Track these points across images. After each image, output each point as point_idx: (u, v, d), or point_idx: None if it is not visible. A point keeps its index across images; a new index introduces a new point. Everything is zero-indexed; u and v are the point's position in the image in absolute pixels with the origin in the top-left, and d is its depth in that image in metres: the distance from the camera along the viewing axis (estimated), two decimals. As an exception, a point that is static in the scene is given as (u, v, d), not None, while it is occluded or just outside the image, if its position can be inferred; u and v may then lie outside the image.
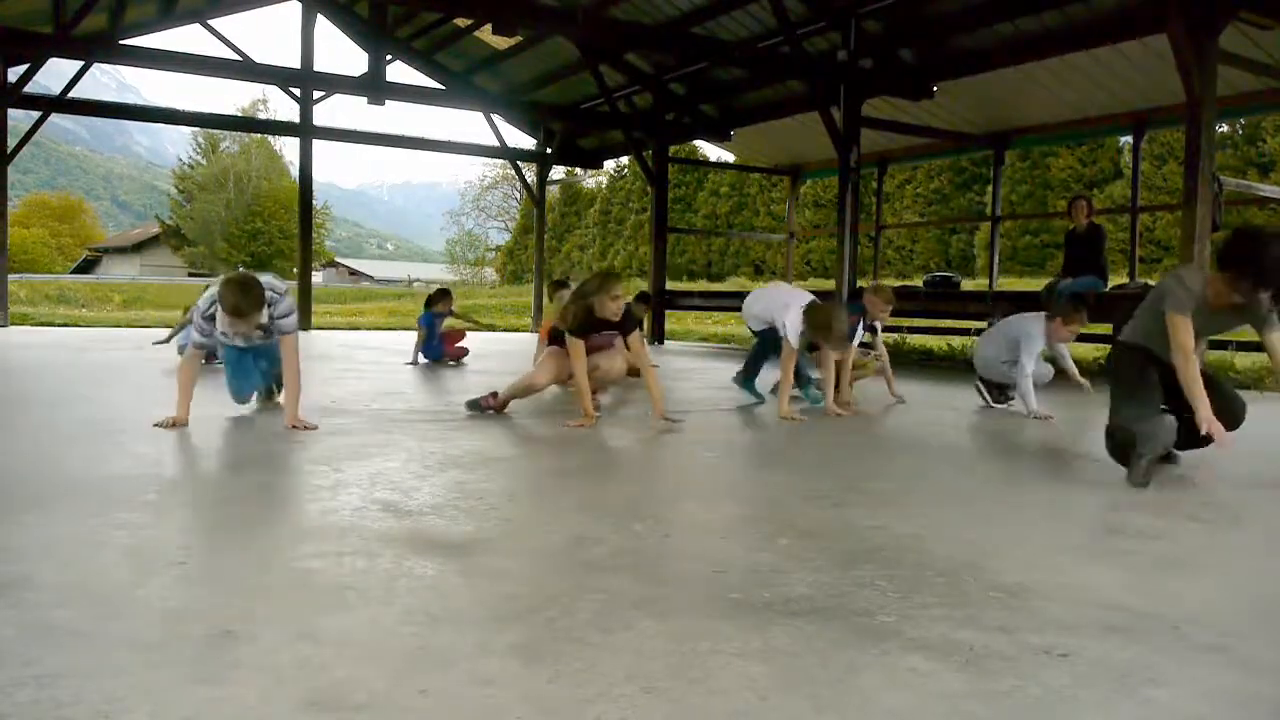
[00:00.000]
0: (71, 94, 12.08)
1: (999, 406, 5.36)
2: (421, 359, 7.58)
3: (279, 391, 4.75)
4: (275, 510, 2.54)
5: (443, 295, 7.90)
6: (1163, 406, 3.37)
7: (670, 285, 15.05)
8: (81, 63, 11.43)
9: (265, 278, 3.94)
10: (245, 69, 11.48)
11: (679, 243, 30.19)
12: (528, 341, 10.38)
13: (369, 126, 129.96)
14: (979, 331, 6.71)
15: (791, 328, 4.74)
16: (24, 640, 1.47)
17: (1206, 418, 3.07)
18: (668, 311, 13.39)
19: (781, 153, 13.70)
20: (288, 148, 41.83)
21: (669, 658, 1.47)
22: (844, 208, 9.28)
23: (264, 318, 3.88)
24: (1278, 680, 1.47)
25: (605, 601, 1.73)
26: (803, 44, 9.60)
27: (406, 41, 13.80)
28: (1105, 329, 7.08)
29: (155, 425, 3.76)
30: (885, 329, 6.32)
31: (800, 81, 10.32)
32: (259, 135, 40.68)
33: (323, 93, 13.46)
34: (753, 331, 5.44)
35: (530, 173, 16.08)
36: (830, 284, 9.77)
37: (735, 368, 5.67)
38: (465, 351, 7.93)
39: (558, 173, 21.37)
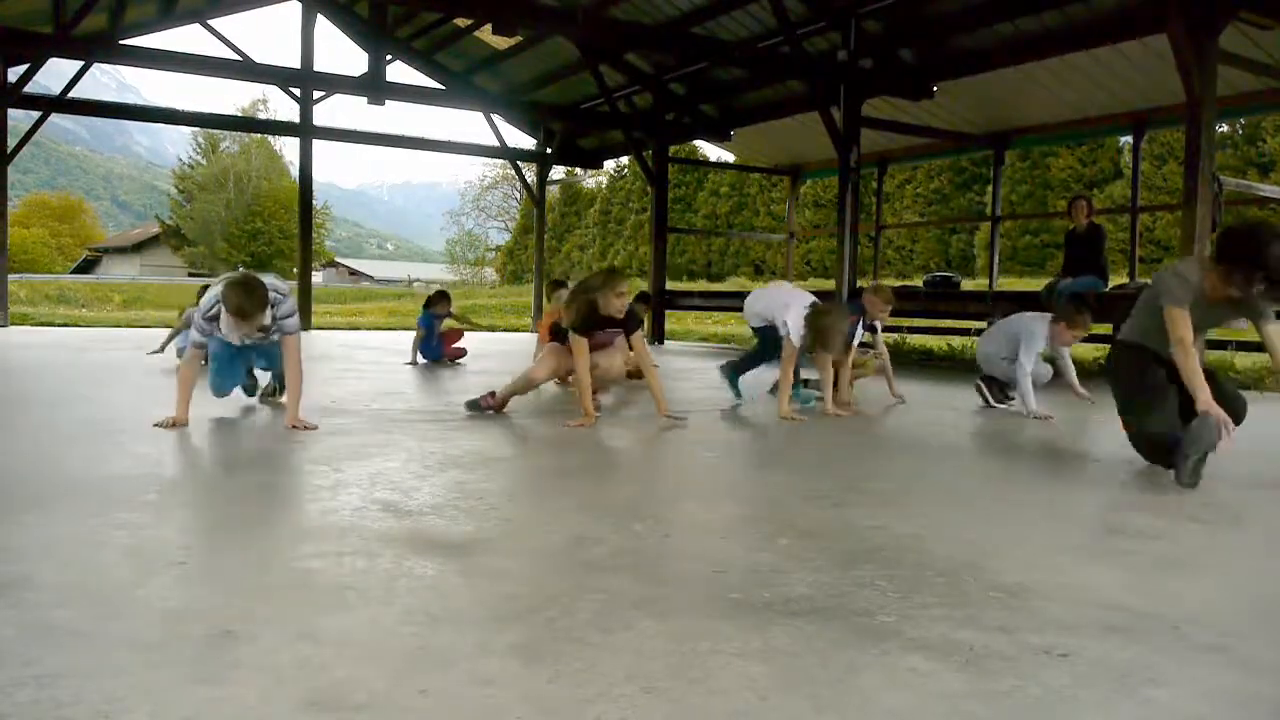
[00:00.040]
0: (71, 94, 12.08)
1: (999, 406, 5.36)
2: (421, 359, 7.62)
3: (281, 392, 4.75)
4: (275, 510, 2.53)
5: (441, 297, 7.95)
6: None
7: (670, 285, 15.05)
8: (81, 63, 11.44)
9: (267, 278, 3.94)
10: (245, 69, 11.48)
11: (679, 243, 30.19)
12: (527, 341, 10.38)
13: (369, 126, 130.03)
14: (979, 331, 6.72)
15: (793, 327, 4.74)
16: (24, 640, 1.47)
17: (1207, 401, 3.07)
18: (668, 311, 13.39)
19: (781, 153, 13.70)
20: (288, 148, 41.88)
21: (669, 658, 1.47)
22: (844, 208, 9.28)
23: (267, 319, 3.88)
24: (1278, 680, 1.47)
25: (605, 601, 1.73)
26: (803, 44, 9.60)
27: (406, 41, 13.80)
28: (1105, 329, 7.09)
29: (155, 425, 3.76)
30: (885, 329, 6.32)
31: (800, 81, 10.32)
32: (259, 135, 40.68)
33: (323, 93, 13.46)
34: (753, 329, 5.43)
35: (530, 173, 16.08)
36: (830, 284, 9.77)
37: (759, 374, 5.63)
38: (463, 352, 7.98)
39: (558, 173, 21.38)
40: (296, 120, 13.82)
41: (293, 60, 13.48)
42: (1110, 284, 8.11)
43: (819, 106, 9.28)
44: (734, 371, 5.46)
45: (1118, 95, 9.33)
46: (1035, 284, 11.21)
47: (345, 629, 1.56)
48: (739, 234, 27.82)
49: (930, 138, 10.80)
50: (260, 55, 20.49)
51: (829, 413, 4.85)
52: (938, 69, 9.26)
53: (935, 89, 9.39)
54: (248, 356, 4.44)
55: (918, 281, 14.13)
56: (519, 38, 12.34)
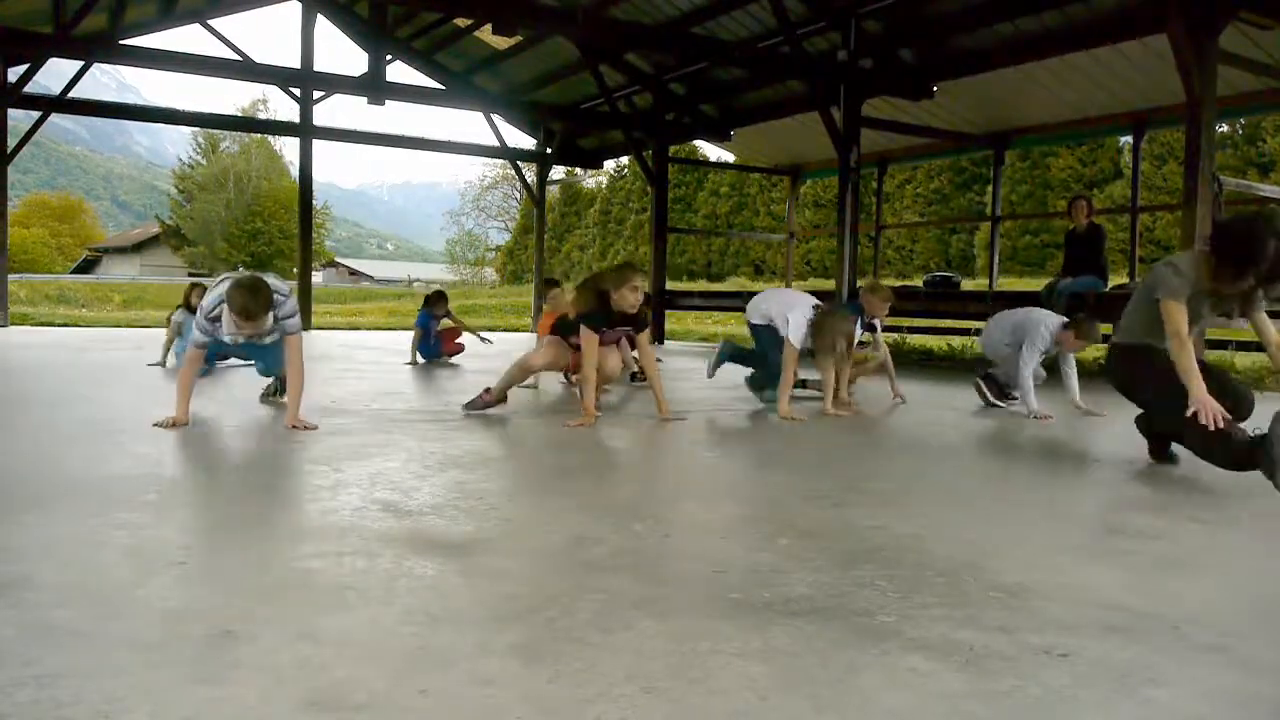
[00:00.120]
0: (71, 94, 12.08)
1: (999, 405, 5.35)
2: (420, 359, 7.65)
3: (281, 392, 4.76)
4: (275, 510, 2.53)
5: (439, 297, 7.98)
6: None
7: (670, 285, 15.05)
8: (81, 63, 11.44)
9: (268, 279, 3.95)
10: (245, 69, 11.49)
11: (679, 243, 30.20)
12: (528, 342, 10.38)
13: (369, 126, 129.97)
14: (979, 331, 6.71)
15: (794, 329, 4.74)
16: (24, 640, 1.47)
17: (1199, 398, 3.06)
18: (668, 311, 13.39)
19: (781, 153, 13.70)
20: (288, 148, 41.89)
21: (669, 658, 1.47)
22: (844, 208, 9.28)
23: (269, 320, 3.89)
24: (1278, 680, 1.47)
25: (605, 601, 1.73)
26: (803, 44, 9.61)
27: (406, 41, 13.80)
28: (1106, 329, 7.08)
29: (155, 425, 3.77)
30: (885, 329, 6.32)
31: (800, 81, 10.33)
32: (259, 135, 40.68)
33: (323, 93, 13.47)
34: (750, 326, 5.36)
35: (530, 173, 16.08)
36: (830, 284, 9.77)
37: (735, 368, 5.64)
38: (461, 348, 8.04)
39: (558, 173, 21.37)
40: (296, 120, 13.82)
41: (293, 60, 13.48)
42: (1110, 284, 8.11)
43: (819, 106, 9.28)
44: (756, 384, 5.38)
45: (1118, 95, 9.33)
46: (1035, 284, 11.21)
47: (345, 629, 1.56)
48: (739, 234, 27.83)
49: (930, 138, 10.81)
50: (260, 55, 20.49)
51: (829, 413, 4.85)
52: (938, 69, 9.26)
53: (935, 89, 9.40)
54: (255, 358, 4.45)
55: (918, 281, 14.14)
56: (519, 38, 12.35)
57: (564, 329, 4.67)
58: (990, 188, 12.55)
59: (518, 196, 42.48)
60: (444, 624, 1.60)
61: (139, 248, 50.60)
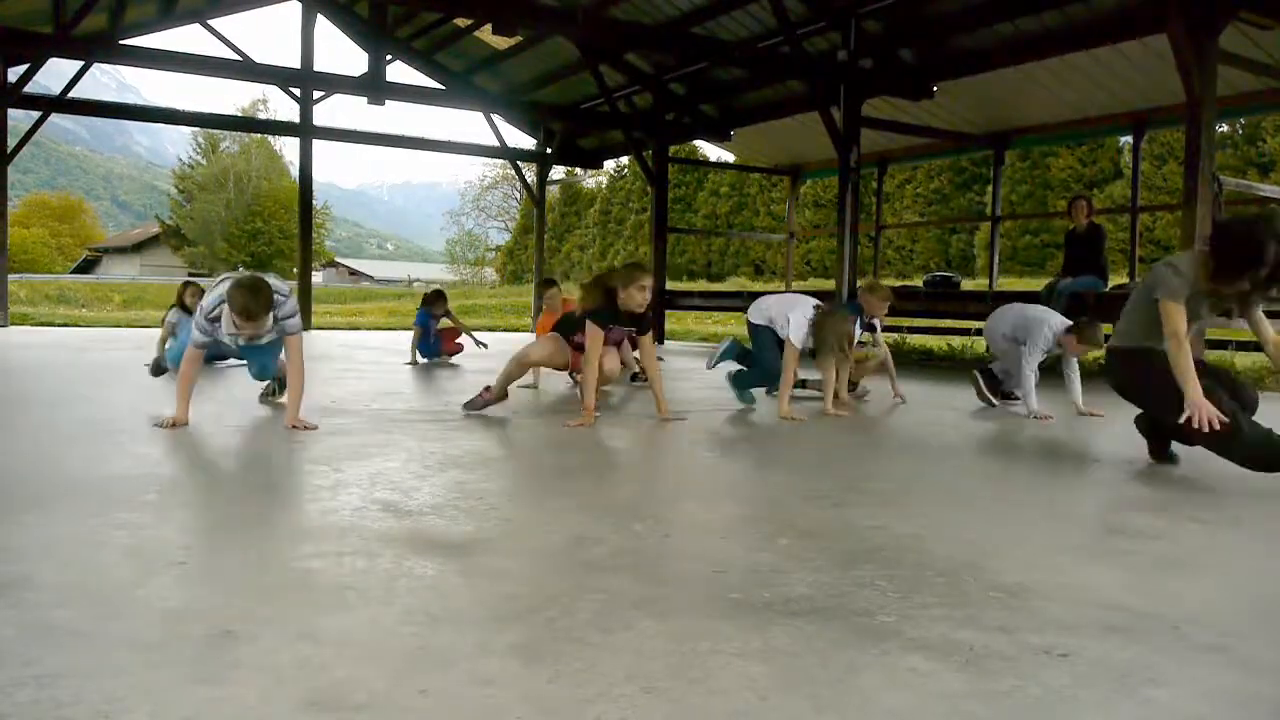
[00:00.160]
0: (71, 94, 12.09)
1: (993, 402, 5.35)
2: (420, 358, 7.66)
3: (280, 392, 4.76)
4: (275, 510, 2.53)
5: (438, 297, 7.99)
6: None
7: (670, 285, 15.06)
8: (81, 63, 11.44)
9: (268, 279, 3.95)
10: (245, 69, 11.49)
11: (679, 243, 30.19)
12: (527, 341, 10.37)
13: (369, 126, 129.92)
14: (979, 331, 6.71)
15: (795, 329, 4.74)
16: (24, 640, 1.47)
17: (1195, 401, 3.06)
18: (668, 311, 13.39)
19: (781, 153, 13.70)
20: (288, 148, 41.87)
21: (669, 658, 1.47)
22: (844, 208, 9.28)
23: (270, 320, 3.89)
24: (1278, 680, 1.47)
25: (605, 601, 1.73)
26: (803, 44, 9.61)
27: (406, 41, 13.81)
28: (1106, 329, 7.08)
29: (155, 425, 3.77)
30: (885, 329, 6.32)
31: (800, 81, 10.33)
32: (259, 135, 40.68)
33: (323, 93, 13.47)
34: (750, 325, 5.34)
35: (530, 173, 16.08)
36: (830, 284, 9.77)
37: (734, 367, 5.62)
38: (460, 348, 8.06)
39: (558, 173, 21.38)
40: (296, 120, 13.83)
41: (293, 60, 13.49)
42: (1110, 284, 8.11)
43: (819, 106, 9.28)
44: (739, 383, 5.26)
45: (1118, 95, 9.33)
46: (1035, 284, 11.22)
47: (345, 629, 1.56)
48: (739, 234, 27.82)
49: (930, 138, 10.81)
50: (260, 55, 20.52)
51: (829, 413, 4.85)
52: (938, 69, 9.26)
53: (935, 89, 9.40)
54: (251, 359, 4.45)
55: (918, 281, 14.14)
56: (519, 38, 12.35)
57: (567, 327, 4.66)
58: (990, 188, 12.56)
59: (518, 196, 42.49)
60: (444, 624, 1.60)
61: (139, 248, 50.59)
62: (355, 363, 7.67)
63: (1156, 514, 2.65)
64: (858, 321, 5.24)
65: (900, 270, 24.36)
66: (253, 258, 39.46)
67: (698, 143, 22.53)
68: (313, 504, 2.52)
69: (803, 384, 5.58)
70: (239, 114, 34.70)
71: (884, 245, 20.79)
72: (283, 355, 4.44)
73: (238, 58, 12.24)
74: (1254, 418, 3.23)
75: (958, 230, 24.26)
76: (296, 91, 13.59)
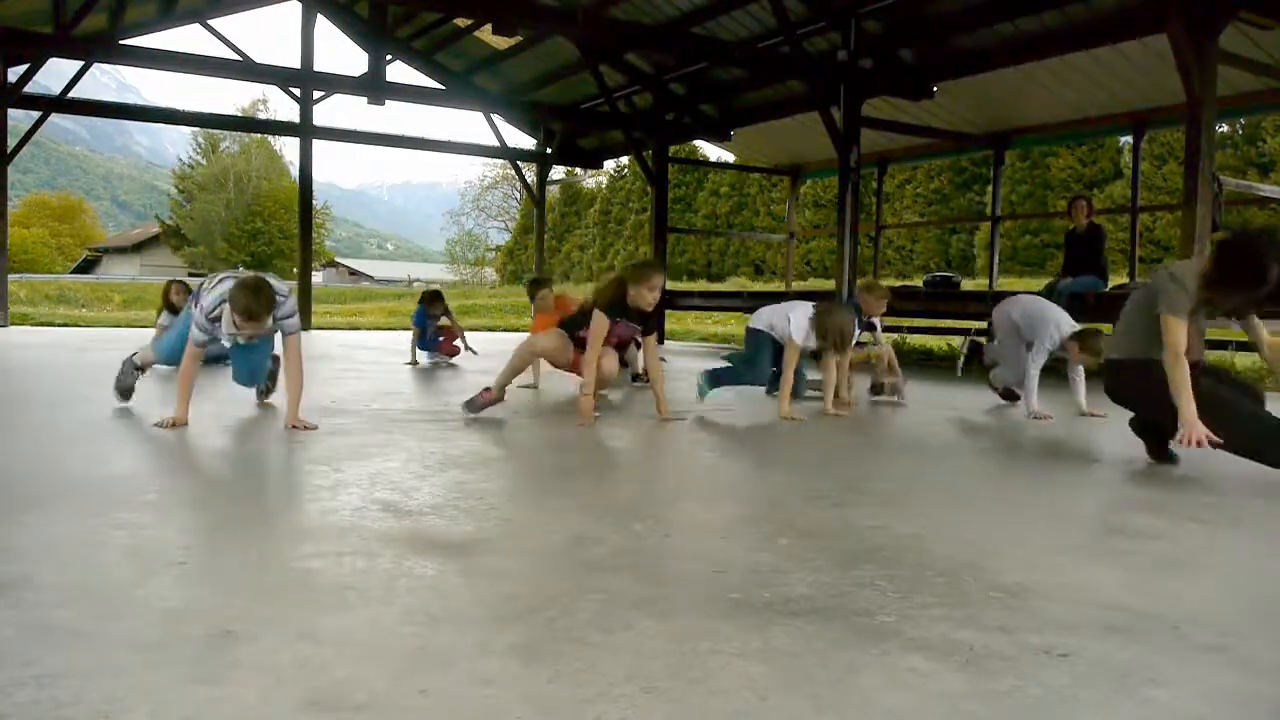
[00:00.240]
0: (71, 94, 12.09)
1: (965, 362, 5.34)
2: (422, 357, 7.67)
3: (270, 393, 4.76)
4: (275, 510, 2.53)
5: (436, 297, 8.01)
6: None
7: (670, 285, 15.05)
8: (81, 63, 11.44)
9: (268, 279, 3.95)
10: (245, 69, 11.48)
11: (679, 243, 30.19)
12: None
13: (369, 126, 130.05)
14: (979, 332, 6.70)
15: (795, 327, 4.75)
16: (24, 640, 1.47)
17: (1188, 421, 3.06)
18: (668, 311, 13.39)
19: (781, 153, 13.70)
20: (288, 148, 41.91)
21: (669, 658, 1.47)
22: (844, 208, 9.28)
23: (270, 320, 3.89)
24: (1278, 680, 1.47)
25: (605, 601, 1.73)
26: (803, 44, 9.61)
27: (406, 41, 13.80)
28: (1106, 329, 7.09)
29: (155, 425, 3.77)
30: (885, 329, 6.32)
31: (800, 81, 10.32)
32: (259, 135, 40.69)
33: (323, 93, 13.47)
34: (749, 330, 5.32)
35: (530, 173, 16.08)
36: (830, 284, 9.77)
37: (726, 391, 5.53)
38: (457, 351, 8.07)
39: (558, 173, 21.37)
40: (296, 120, 13.82)
41: (293, 60, 13.49)
42: (1110, 284, 8.12)
43: (819, 106, 9.28)
44: (710, 380, 5.13)
45: (1118, 95, 9.32)
46: (1035, 284, 11.22)
47: (345, 629, 1.56)
48: (739, 234, 27.82)
49: (930, 138, 10.81)
50: (260, 55, 20.52)
51: (829, 413, 4.85)
52: (938, 69, 9.26)
53: (935, 89, 9.39)
54: (249, 358, 4.45)
55: (918, 281, 14.13)
56: (519, 38, 12.35)
57: (571, 326, 4.66)
58: (990, 188, 12.55)
59: (518, 196, 42.50)
60: (444, 624, 1.60)
61: (139, 248, 50.62)
62: (355, 363, 7.67)
63: (1156, 514, 2.65)
64: (856, 321, 5.24)
65: (900, 270, 24.36)
66: (253, 258, 39.48)
67: (698, 143, 22.53)
68: (313, 504, 2.52)
69: (813, 385, 5.55)
70: (239, 114, 34.74)
71: (884, 245, 20.78)
72: (274, 353, 4.45)
73: (238, 58, 12.24)
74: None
75: (958, 230, 24.26)
76: (296, 91, 13.59)
